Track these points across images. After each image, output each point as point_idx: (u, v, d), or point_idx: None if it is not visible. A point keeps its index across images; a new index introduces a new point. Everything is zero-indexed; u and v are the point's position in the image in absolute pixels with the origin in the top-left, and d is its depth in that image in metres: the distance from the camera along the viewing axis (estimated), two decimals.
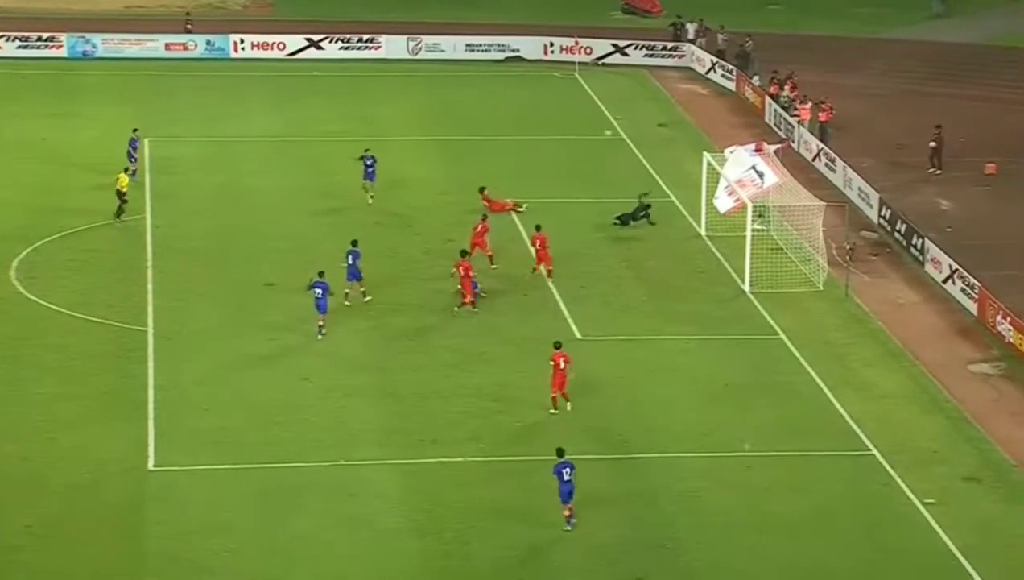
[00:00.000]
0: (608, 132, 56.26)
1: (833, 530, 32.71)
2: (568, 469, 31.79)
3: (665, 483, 34.21)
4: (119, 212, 47.83)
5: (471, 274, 42.06)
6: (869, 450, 35.96)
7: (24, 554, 30.83)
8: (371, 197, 49.75)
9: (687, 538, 32.20)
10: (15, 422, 35.88)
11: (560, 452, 32.33)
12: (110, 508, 32.44)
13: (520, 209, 49.23)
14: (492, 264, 44.51)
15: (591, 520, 32.51)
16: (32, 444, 34.90)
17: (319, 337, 40.22)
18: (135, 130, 51.29)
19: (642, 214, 48.68)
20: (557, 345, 37.02)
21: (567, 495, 31.72)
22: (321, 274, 40.88)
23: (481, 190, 49.37)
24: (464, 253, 42.85)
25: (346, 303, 42.10)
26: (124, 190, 48.04)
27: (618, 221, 48.45)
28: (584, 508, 32.84)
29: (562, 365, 36.50)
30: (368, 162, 49.95)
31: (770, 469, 34.98)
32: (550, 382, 36.65)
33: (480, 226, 45.08)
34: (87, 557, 30.85)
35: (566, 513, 31.86)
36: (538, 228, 44.93)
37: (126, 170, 49.00)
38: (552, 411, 36.69)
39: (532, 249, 44.87)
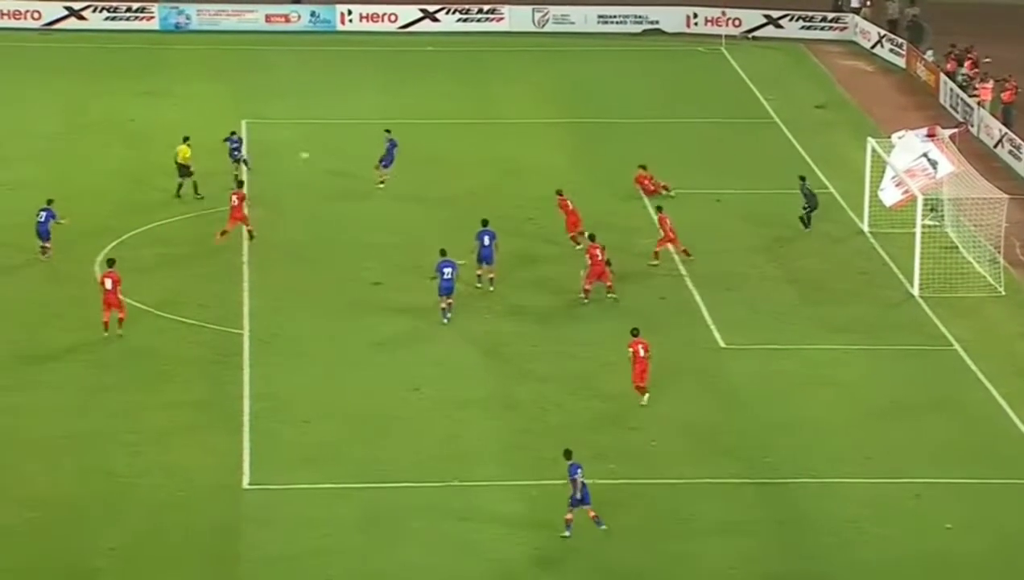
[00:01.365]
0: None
1: (1017, 570, 32.14)
2: (580, 470, 32.30)
3: (820, 512, 33.90)
4: (195, 188, 48.83)
5: (605, 256, 42.56)
6: None
7: (107, 578, 31.42)
8: (382, 182, 50.29)
9: (845, 575, 31.88)
10: (98, 433, 36.58)
11: (568, 454, 32.70)
12: (201, 530, 32.93)
13: (669, 193, 49.72)
14: (577, 244, 45.21)
15: (734, 552, 32.33)
16: (116, 458, 35.55)
17: (444, 321, 41.04)
18: (233, 133, 51.49)
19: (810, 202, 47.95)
20: (635, 332, 37.54)
21: (586, 497, 32.21)
22: (444, 253, 41.48)
23: (643, 168, 50.11)
24: (592, 237, 43.17)
25: (478, 285, 42.95)
26: (186, 163, 48.91)
27: (805, 216, 47.62)
28: (727, 538, 32.70)
29: (642, 353, 37.13)
30: (390, 145, 50.36)
31: (944, 499, 34.49)
32: (632, 372, 37.17)
33: (572, 205, 45.84)
34: None
35: (592, 514, 32.17)
36: (659, 209, 45.81)
37: (185, 140, 49.45)
38: (643, 403, 37.30)
39: (663, 232, 45.18)
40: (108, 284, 40.45)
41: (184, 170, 49.03)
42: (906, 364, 40.51)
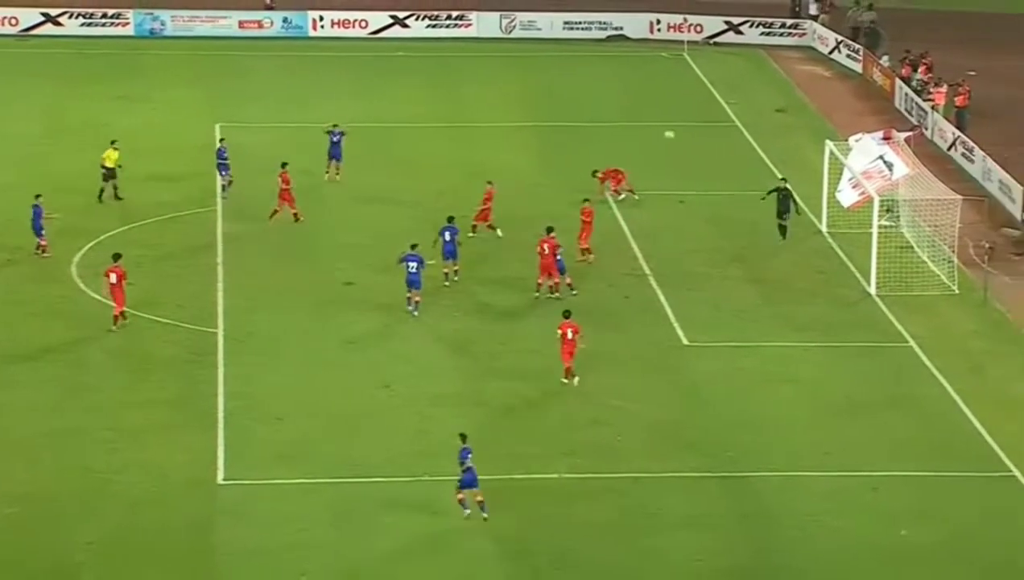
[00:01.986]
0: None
1: (970, 559, 32.33)
2: (470, 454, 32.80)
3: (781, 506, 34.00)
4: (102, 193, 48.61)
5: (557, 253, 42.57)
6: (1010, 471, 35.51)
7: (86, 573, 31.33)
8: (337, 176, 50.82)
9: (806, 566, 31.98)
10: (76, 431, 36.44)
11: (464, 437, 33.06)
12: (176, 525, 32.86)
13: (634, 196, 49.80)
14: (498, 233, 46.32)
15: (699, 544, 32.41)
16: (94, 455, 35.44)
17: (413, 314, 41.49)
18: (222, 140, 51.26)
19: (784, 205, 47.45)
20: (566, 314, 38.19)
21: (474, 481, 32.56)
22: (414, 247, 41.75)
23: (594, 173, 49.92)
24: (549, 229, 43.09)
25: (446, 284, 43.20)
26: (112, 167, 48.61)
27: (781, 226, 47.23)
28: (692, 532, 32.77)
29: (570, 335, 37.68)
30: (335, 138, 50.72)
31: (899, 492, 34.63)
32: (560, 353, 37.73)
33: (491, 200, 46.41)
34: (152, 577, 31.30)
35: (479, 498, 32.51)
36: (586, 201, 45.76)
37: (112, 144, 48.87)
38: (563, 381, 37.88)
39: (584, 223, 45.35)
40: (113, 278, 40.41)
41: (108, 174, 48.79)
42: (863, 361, 40.67)
